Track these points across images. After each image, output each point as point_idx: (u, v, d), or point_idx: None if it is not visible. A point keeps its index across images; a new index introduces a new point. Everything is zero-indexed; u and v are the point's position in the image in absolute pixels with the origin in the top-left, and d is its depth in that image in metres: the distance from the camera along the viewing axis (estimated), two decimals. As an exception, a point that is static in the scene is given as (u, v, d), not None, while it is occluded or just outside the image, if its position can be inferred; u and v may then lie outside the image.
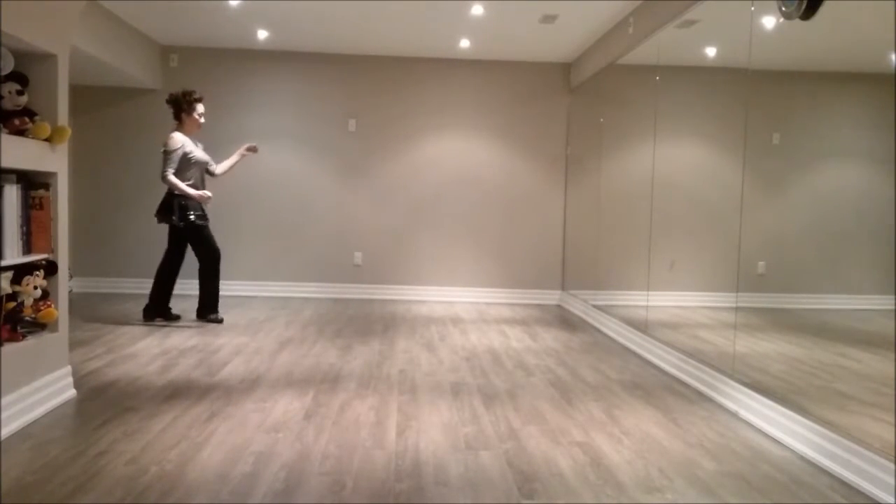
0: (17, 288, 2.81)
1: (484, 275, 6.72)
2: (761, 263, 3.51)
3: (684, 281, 4.44)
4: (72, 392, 3.10)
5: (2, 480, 2.20)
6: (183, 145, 4.67)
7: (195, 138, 4.86)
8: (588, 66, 6.03)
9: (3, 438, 2.54)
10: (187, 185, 4.67)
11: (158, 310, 4.92)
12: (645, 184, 4.57)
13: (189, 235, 4.79)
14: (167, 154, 4.64)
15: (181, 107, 4.74)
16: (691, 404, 3.29)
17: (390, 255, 6.69)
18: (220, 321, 4.96)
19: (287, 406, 3.07)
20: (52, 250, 2.98)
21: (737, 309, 3.42)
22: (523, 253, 6.73)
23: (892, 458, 2.21)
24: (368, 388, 3.41)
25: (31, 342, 2.85)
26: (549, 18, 5.18)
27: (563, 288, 6.70)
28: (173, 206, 4.66)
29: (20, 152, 2.73)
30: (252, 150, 5.06)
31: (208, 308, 4.96)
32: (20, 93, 2.82)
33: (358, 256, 6.67)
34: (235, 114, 6.45)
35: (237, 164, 5.12)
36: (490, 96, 6.64)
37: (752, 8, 3.29)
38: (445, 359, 4.15)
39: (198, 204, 4.73)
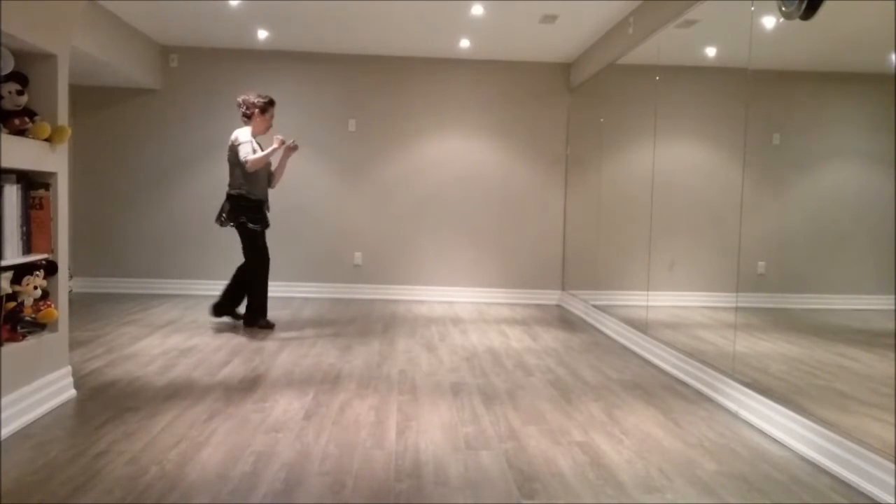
0: (17, 288, 2.81)
1: (484, 275, 6.72)
2: (761, 263, 3.51)
3: (684, 281, 4.44)
4: (72, 392, 3.11)
5: (2, 480, 2.20)
6: (252, 139, 4.70)
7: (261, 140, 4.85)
8: (588, 66, 6.03)
9: (3, 438, 2.54)
10: (249, 187, 4.67)
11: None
12: (645, 184, 4.57)
13: (241, 236, 4.77)
14: (240, 145, 4.62)
15: (255, 106, 4.76)
16: (691, 404, 3.29)
17: (390, 255, 6.69)
18: (271, 326, 4.86)
19: (287, 406, 3.07)
20: (52, 250, 2.98)
21: (737, 309, 3.42)
22: (523, 253, 6.73)
23: (892, 458, 2.21)
24: (368, 388, 3.41)
25: (31, 342, 2.85)
26: (549, 18, 5.18)
27: (563, 288, 6.70)
28: (228, 209, 4.69)
29: (20, 152, 2.73)
30: (291, 147, 4.85)
31: (254, 314, 4.87)
32: (20, 93, 2.83)
33: (358, 256, 6.67)
34: (235, 114, 6.44)
35: (284, 164, 4.96)
36: (490, 96, 6.63)
37: (752, 8, 3.29)
38: (445, 359, 4.15)
39: (253, 206, 4.70)
